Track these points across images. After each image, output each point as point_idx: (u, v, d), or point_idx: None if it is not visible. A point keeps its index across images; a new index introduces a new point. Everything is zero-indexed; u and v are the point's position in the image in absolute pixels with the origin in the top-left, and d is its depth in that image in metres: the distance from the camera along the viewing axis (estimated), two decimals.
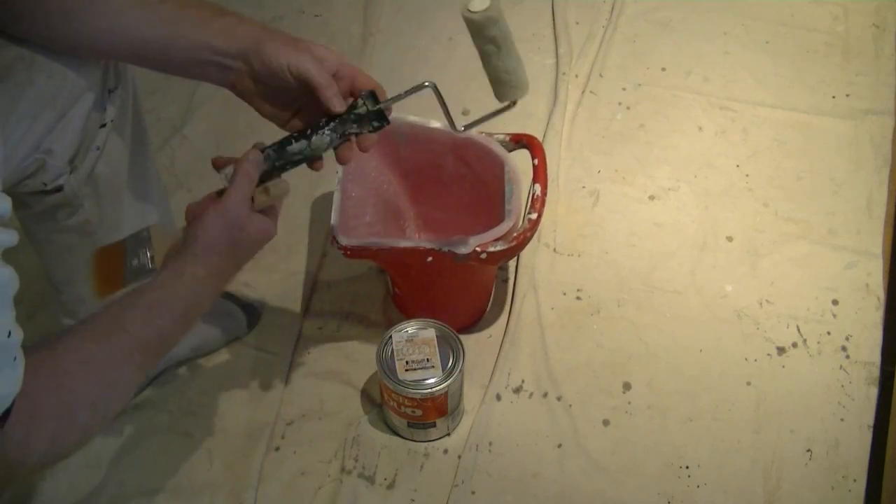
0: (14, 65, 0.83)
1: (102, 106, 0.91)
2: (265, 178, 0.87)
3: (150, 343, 0.77)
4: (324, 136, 0.88)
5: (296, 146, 0.88)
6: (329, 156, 0.92)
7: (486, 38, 0.88)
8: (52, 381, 0.68)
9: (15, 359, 0.62)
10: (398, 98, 0.89)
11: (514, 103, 0.91)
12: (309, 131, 0.88)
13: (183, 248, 0.82)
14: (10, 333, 0.61)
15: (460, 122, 0.94)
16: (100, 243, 1.00)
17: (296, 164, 0.89)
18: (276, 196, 0.87)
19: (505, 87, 0.90)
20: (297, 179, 0.92)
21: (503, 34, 0.88)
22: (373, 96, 0.88)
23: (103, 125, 0.92)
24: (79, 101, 0.88)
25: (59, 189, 0.92)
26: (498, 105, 0.92)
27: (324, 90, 0.85)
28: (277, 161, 0.88)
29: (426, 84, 0.89)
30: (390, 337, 1.10)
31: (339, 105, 0.86)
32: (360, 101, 0.88)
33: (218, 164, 0.88)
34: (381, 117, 0.88)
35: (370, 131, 0.89)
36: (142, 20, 0.84)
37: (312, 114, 0.89)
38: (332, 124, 0.88)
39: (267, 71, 0.85)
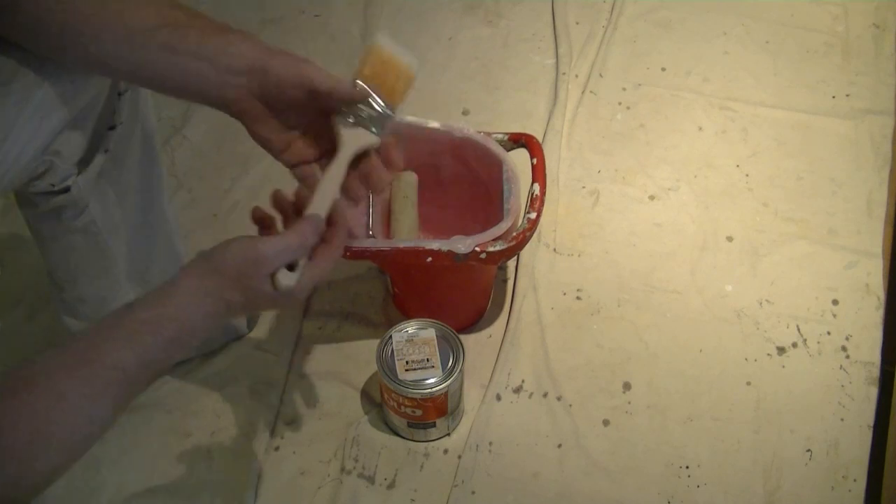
0: (24, 66, 0.82)
1: (112, 108, 0.91)
2: None
3: (129, 373, 0.70)
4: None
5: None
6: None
7: None
8: (22, 420, 0.64)
9: None
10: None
11: None
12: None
13: (191, 263, 0.77)
14: None
15: (460, 122, 0.92)
16: (104, 244, 1.01)
17: None
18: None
19: None
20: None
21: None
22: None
23: (112, 128, 0.92)
24: (89, 103, 0.87)
25: (66, 190, 0.92)
26: None
27: (339, 89, 0.81)
28: None
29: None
30: (390, 337, 1.10)
31: (361, 93, 0.82)
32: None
33: (255, 216, 0.84)
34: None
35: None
36: (137, 45, 0.78)
37: (317, 133, 0.85)
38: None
39: (275, 85, 0.80)
